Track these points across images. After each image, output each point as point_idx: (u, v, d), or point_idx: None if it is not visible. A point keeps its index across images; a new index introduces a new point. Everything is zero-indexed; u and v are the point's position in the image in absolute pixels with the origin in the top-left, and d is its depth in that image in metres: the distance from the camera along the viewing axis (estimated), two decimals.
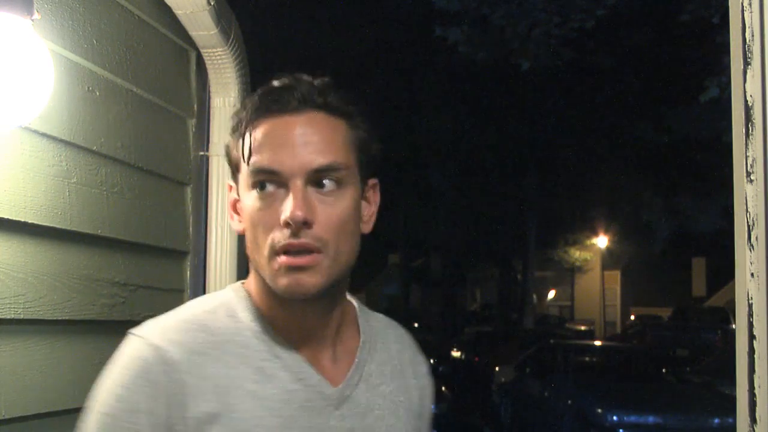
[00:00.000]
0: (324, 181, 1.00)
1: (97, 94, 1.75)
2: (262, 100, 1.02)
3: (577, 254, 29.32)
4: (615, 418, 8.85)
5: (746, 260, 1.29)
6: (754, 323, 1.27)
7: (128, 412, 0.97)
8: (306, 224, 0.98)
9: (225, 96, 2.23)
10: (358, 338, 1.16)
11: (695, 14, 10.98)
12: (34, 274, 1.55)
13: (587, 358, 11.60)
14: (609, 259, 30.75)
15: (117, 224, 1.81)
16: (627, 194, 21.28)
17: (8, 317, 1.48)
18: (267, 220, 0.99)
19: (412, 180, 21.53)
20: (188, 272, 2.15)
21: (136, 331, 1.04)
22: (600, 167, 20.00)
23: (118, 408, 0.98)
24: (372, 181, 1.11)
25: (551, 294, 34.39)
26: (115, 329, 1.83)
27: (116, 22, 1.84)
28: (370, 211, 1.11)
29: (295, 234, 0.98)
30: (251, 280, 1.10)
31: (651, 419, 8.86)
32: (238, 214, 1.08)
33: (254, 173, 1.00)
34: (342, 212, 1.01)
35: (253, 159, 1.00)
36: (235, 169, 1.06)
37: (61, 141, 1.63)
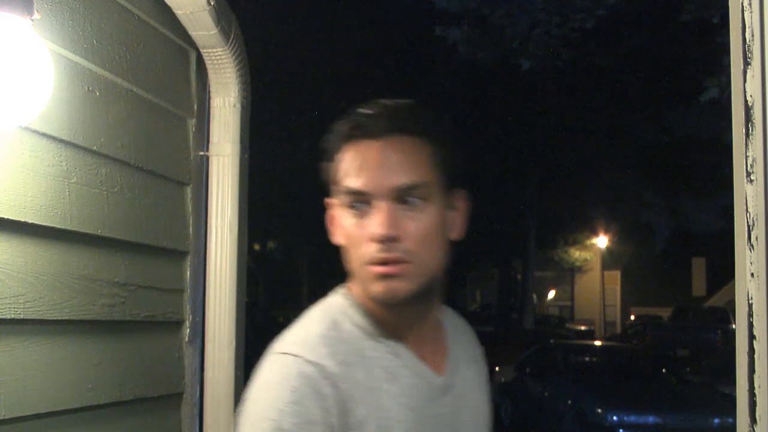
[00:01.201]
0: (408, 198, 1.10)
1: (97, 94, 1.75)
2: (348, 127, 1.13)
3: (577, 254, 29.31)
4: (615, 418, 8.85)
5: (746, 260, 1.29)
6: (754, 323, 1.27)
7: (307, 423, 1.03)
8: (394, 240, 1.08)
9: (225, 96, 2.22)
10: (442, 329, 1.27)
11: (695, 14, 10.99)
12: (34, 274, 1.55)
13: (587, 358, 11.60)
14: (609, 259, 30.75)
15: (117, 224, 1.81)
16: (627, 194, 21.28)
17: (8, 317, 1.48)
18: (359, 235, 1.11)
19: None
20: (188, 272, 2.15)
21: (284, 349, 1.10)
22: (600, 167, 20.00)
23: (295, 422, 1.02)
24: (459, 192, 1.19)
25: (551, 294, 34.39)
26: (115, 329, 1.84)
27: (116, 22, 1.84)
28: (458, 219, 1.20)
29: (385, 249, 1.08)
30: (356, 286, 1.18)
31: (651, 419, 8.86)
32: (336, 228, 1.18)
33: (346, 194, 1.12)
34: (427, 225, 1.11)
35: (344, 182, 1.12)
36: (330, 187, 1.17)
37: (61, 141, 1.63)
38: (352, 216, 1.12)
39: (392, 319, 1.15)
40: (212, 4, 1.98)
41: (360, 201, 1.10)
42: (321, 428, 1.03)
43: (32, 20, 1.38)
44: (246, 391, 1.11)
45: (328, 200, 1.19)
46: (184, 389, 2.11)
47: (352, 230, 1.11)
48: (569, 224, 25.29)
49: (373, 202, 1.09)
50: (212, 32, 2.05)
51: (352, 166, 1.11)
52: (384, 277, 1.09)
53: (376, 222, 1.08)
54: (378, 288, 1.10)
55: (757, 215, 1.28)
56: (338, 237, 1.17)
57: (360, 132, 1.12)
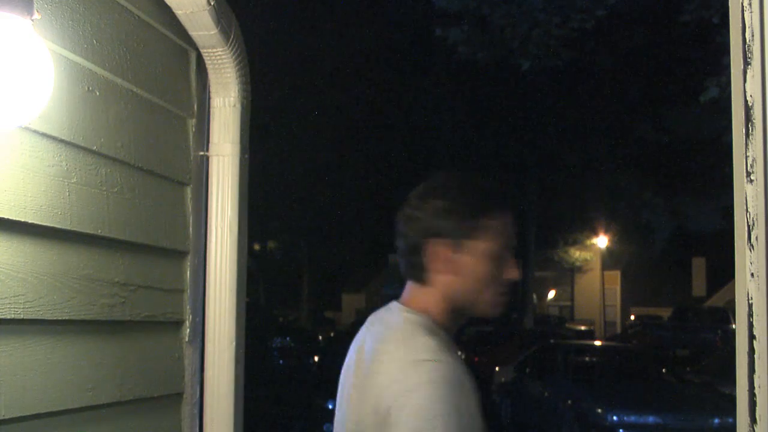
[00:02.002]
0: None
1: (97, 94, 1.75)
2: (504, 201, 1.63)
3: (577, 254, 29.31)
4: (615, 418, 8.86)
5: (746, 260, 1.29)
6: (754, 323, 1.27)
7: (461, 408, 1.42)
8: None
9: (225, 96, 2.22)
10: None
11: (695, 14, 10.98)
12: (34, 274, 1.55)
13: (587, 358, 11.60)
14: (609, 259, 30.75)
15: (117, 224, 1.81)
16: (627, 194, 21.29)
17: (8, 317, 1.48)
18: (499, 275, 1.58)
19: (412, 180, 21.46)
20: (188, 272, 2.15)
21: (425, 357, 1.45)
22: (600, 167, 20.01)
23: (453, 408, 1.40)
24: None
25: (551, 294, 34.39)
26: (115, 329, 1.84)
27: (116, 22, 1.84)
28: None
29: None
30: (428, 304, 1.57)
31: (651, 419, 8.86)
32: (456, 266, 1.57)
33: (507, 249, 1.60)
34: None
35: (509, 240, 1.60)
36: (466, 235, 1.55)
37: (61, 141, 1.63)
38: (495, 262, 1.57)
39: (454, 329, 1.60)
40: (212, 4, 1.98)
41: (510, 254, 1.60)
42: (467, 412, 1.41)
43: (32, 20, 1.38)
44: (396, 392, 1.43)
45: (450, 241, 1.55)
46: (184, 389, 2.11)
47: (495, 271, 1.57)
48: (569, 224, 25.31)
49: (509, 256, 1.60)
50: (212, 32, 2.05)
51: (511, 230, 1.61)
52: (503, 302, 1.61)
53: (515, 268, 1.61)
54: (502, 308, 1.60)
55: (757, 215, 1.28)
56: (453, 273, 1.56)
57: (502, 205, 1.61)
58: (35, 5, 1.39)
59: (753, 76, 1.30)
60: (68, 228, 1.64)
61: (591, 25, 11.92)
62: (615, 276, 32.41)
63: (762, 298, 1.26)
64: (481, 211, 1.57)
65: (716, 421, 8.71)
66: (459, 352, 1.58)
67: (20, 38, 1.36)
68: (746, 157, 1.30)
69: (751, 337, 1.27)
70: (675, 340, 18.42)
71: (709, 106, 10.75)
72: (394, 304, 1.61)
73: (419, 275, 1.58)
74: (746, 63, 1.31)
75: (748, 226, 1.29)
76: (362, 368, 1.53)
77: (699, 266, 30.22)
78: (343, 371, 1.65)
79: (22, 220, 1.51)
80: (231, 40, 2.12)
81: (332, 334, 20.42)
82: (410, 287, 1.61)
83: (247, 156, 2.27)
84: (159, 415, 2.03)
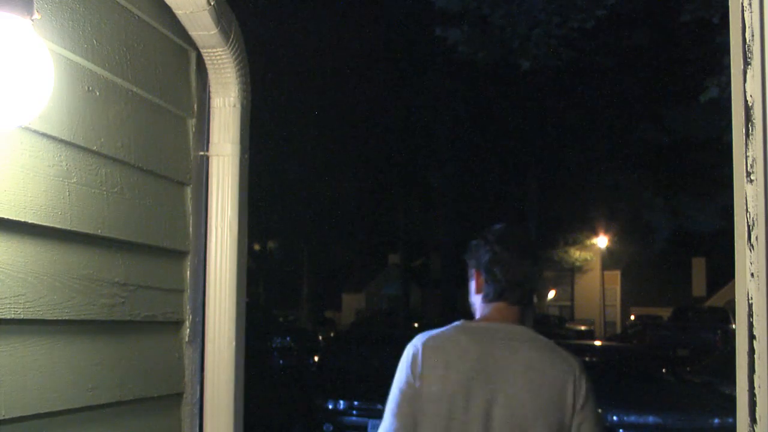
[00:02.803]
0: None
1: (97, 94, 1.75)
2: None
3: (577, 254, 29.32)
4: (615, 418, 8.85)
5: (746, 260, 1.29)
6: (754, 323, 1.27)
7: None
8: None
9: (225, 96, 2.22)
10: None
11: (695, 14, 10.97)
12: (34, 274, 1.55)
13: (587, 358, 11.58)
14: (609, 259, 30.75)
15: (117, 224, 1.81)
16: (627, 194, 21.29)
17: (8, 317, 1.48)
18: None
19: (412, 180, 21.53)
20: (188, 272, 2.15)
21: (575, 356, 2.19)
22: (600, 167, 20.01)
23: None
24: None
25: (551, 294, 34.39)
26: (115, 329, 1.84)
27: (116, 22, 1.84)
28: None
29: None
30: (526, 321, 2.22)
31: (651, 419, 8.86)
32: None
33: None
34: None
35: None
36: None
37: (61, 141, 1.63)
38: None
39: None
40: (212, 4, 1.98)
41: None
42: None
43: (32, 20, 1.38)
44: (584, 387, 2.22)
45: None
46: (184, 389, 2.11)
47: None
48: (569, 224, 25.33)
49: None
50: (212, 32, 2.05)
51: None
52: None
53: None
54: None
55: (757, 215, 1.28)
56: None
57: None
58: (35, 5, 1.39)
59: (753, 76, 1.30)
60: (68, 228, 1.64)
61: (591, 25, 11.92)
62: (615, 276, 32.42)
63: (762, 298, 1.26)
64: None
65: (716, 421, 8.70)
66: None
67: (20, 38, 1.36)
68: (746, 157, 1.30)
69: (751, 337, 1.27)
70: (675, 340, 18.42)
71: (709, 106, 10.75)
72: (516, 326, 2.14)
73: (531, 300, 2.16)
74: (746, 63, 1.31)
75: (748, 226, 1.29)
76: (530, 372, 2.08)
77: (699, 266, 30.23)
78: (470, 374, 2.05)
79: (22, 220, 1.51)
80: (231, 40, 2.12)
81: (332, 334, 20.41)
82: (516, 310, 2.16)
83: (247, 156, 2.27)
84: (159, 415, 2.03)
